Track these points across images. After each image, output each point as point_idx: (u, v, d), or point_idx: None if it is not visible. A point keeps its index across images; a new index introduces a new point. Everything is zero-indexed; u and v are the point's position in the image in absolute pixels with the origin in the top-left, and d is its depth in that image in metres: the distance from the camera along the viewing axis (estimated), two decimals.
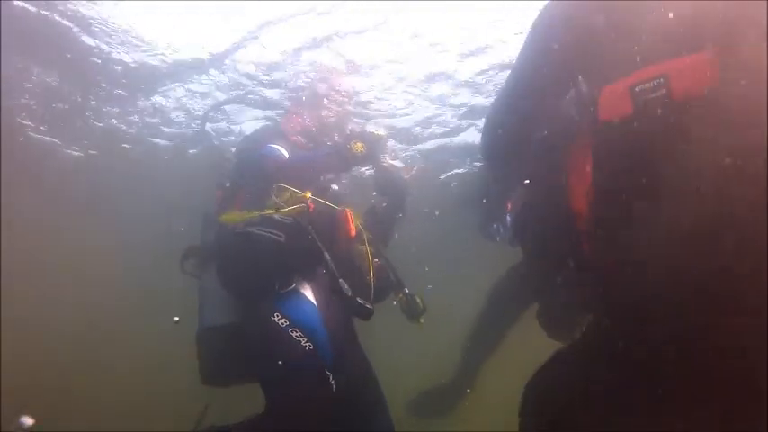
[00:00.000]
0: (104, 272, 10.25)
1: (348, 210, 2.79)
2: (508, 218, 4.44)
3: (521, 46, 1.69)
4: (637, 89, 1.27)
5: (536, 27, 1.63)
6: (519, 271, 4.05)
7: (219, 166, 3.51)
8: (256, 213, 2.73)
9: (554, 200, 1.66)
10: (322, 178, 3.17)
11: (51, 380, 10.26)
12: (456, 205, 6.66)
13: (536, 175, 1.90)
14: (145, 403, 9.76)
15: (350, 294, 2.52)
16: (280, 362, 2.41)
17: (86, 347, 11.15)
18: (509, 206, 4.33)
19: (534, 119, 1.74)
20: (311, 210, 2.72)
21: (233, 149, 5.59)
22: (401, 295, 2.98)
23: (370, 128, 3.27)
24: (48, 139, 6.68)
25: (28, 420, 3.13)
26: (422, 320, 2.93)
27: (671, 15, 1.28)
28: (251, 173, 3.02)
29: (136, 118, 6.23)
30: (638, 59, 1.31)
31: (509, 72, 1.81)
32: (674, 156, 1.17)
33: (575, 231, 1.45)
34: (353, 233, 2.74)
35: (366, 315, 2.57)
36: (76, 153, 7.17)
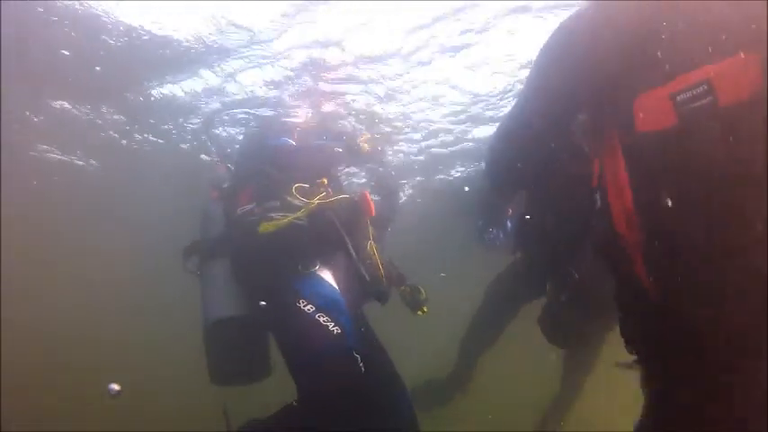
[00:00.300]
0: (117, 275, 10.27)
1: (365, 191, 2.89)
2: (508, 223, 4.50)
3: (540, 55, 1.63)
4: (679, 98, 1.21)
5: (562, 34, 1.58)
6: (517, 269, 4.12)
7: (215, 166, 3.52)
8: (291, 217, 2.71)
9: (582, 217, 1.64)
10: (333, 169, 3.22)
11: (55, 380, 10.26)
12: (452, 213, 6.71)
13: (560, 191, 1.85)
14: (148, 402, 9.77)
15: (369, 278, 2.61)
16: (310, 347, 2.40)
17: (93, 349, 11.16)
18: (509, 212, 4.41)
19: (557, 134, 1.69)
20: (330, 196, 2.79)
21: (236, 146, 5.65)
22: (403, 287, 3.01)
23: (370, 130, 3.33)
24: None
25: (115, 387, 3.14)
26: (425, 309, 2.97)
27: (704, 18, 1.23)
28: (266, 164, 3.02)
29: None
30: (674, 65, 1.25)
31: (527, 83, 1.76)
32: (725, 165, 1.13)
33: (619, 250, 1.38)
34: (374, 212, 2.82)
35: (385, 298, 2.66)
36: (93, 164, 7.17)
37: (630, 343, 1.43)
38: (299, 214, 2.70)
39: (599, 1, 1.48)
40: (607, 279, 1.55)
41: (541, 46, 1.62)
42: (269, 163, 3.01)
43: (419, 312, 3.01)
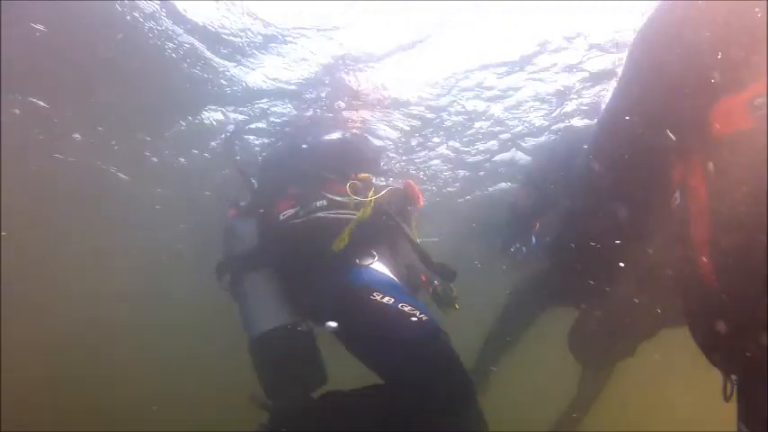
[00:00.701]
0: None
1: (409, 180, 2.92)
2: (534, 238, 4.70)
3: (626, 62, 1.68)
4: (756, 102, 1.25)
5: (645, 37, 1.61)
6: (540, 279, 4.20)
7: (237, 181, 3.39)
8: (354, 220, 2.67)
9: (662, 227, 1.68)
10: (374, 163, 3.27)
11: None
12: (476, 228, 6.83)
13: (632, 197, 1.89)
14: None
15: (434, 260, 2.60)
16: (405, 339, 2.26)
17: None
18: (537, 226, 4.57)
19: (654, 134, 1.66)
20: (379, 189, 2.80)
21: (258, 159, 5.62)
22: (433, 286, 2.86)
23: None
24: None
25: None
26: (457, 306, 2.81)
27: None
28: (306, 165, 2.99)
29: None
30: (753, 70, 1.26)
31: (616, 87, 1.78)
32: None
33: (692, 261, 1.39)
34: (421, 201, 2.86)
35: (453, 275, 2.63)
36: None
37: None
38: (360, 215, 2.69)
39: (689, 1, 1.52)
40: (643, 301, 1.64)
41: (636, 42, 1.66)
42: (310, 163, 2.99)
43: (452, 308, 2.84)
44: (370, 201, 2.75)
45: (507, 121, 5.95)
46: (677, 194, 1.52)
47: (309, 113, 4.97)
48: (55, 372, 10.65)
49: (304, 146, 3.30)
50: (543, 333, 4.97)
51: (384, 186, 2.91)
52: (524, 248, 4.65)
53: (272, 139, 5.74)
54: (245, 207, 3.14)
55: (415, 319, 2.29)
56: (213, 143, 6.25)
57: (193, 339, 11.68)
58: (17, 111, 5.57)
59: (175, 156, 6.75)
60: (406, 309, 2.33)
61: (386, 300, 2.36)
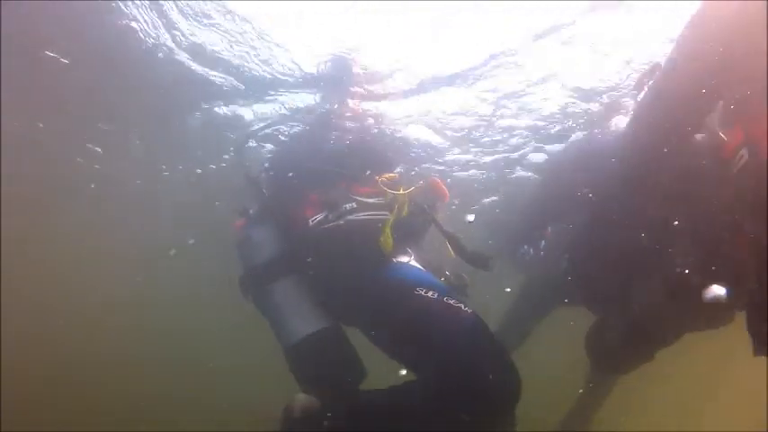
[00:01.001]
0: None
1: (434, 177, 2.94)
2: (543, 242, 4.77)
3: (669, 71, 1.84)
4: None
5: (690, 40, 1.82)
6: (552, 279, 4.17)
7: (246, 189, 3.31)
8: (392, 217, 2.67)
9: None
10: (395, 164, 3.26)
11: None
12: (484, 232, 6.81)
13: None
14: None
15: (469, 250, 2.54)
16: (456, 330, 2.21)
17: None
18: (548, 231, 4.63)
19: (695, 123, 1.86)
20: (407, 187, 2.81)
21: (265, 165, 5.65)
22: (443, 278, 2.78)
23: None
24: None
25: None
26: (467, 294, 2.74)
27: None
28: (329, 166, 2.97)
29: None
30: None
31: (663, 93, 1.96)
32: None
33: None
34: (448, 197, 2.90)
35: (487, 263, 2.51)
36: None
37: None
38: (394, 214, 2.68)
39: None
40: (673, 308, 1.72)
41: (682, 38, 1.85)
42: (332, 166, 2.96)
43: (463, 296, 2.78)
44: (405, 197, 2.75)
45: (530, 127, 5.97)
46: (743, 152, 1.67)
47: (320, 108, 4.96)
48: (55, 372, 10.61)
49: (323, 148, 3.26)
50: (550, 332, 5.02)
51: (411, 184, 2.89)
52: (532, 251, 4.71)
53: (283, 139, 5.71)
54: (255, 215, 3.08)
55: (464, 311, 2.27)
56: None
57: (193, 339, 11.68)
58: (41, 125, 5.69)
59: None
60: (451, 302, 2.31)
61: (430, 294, 2.33)
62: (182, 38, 4.68)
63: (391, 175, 2.91)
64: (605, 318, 3.32)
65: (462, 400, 2.04)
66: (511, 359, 2.20)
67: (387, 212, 2.75)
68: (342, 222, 2.73)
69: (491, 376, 2.06)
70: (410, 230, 2.75)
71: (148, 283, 10.27)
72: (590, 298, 3.59)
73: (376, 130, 3.83)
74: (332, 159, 3.07)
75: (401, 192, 2.79)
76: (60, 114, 5.73)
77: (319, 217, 2.79)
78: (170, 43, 4.73)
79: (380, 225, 2.64)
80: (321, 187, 2.91)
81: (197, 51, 4.84)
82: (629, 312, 2.99)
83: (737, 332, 2.56)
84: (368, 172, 2.93)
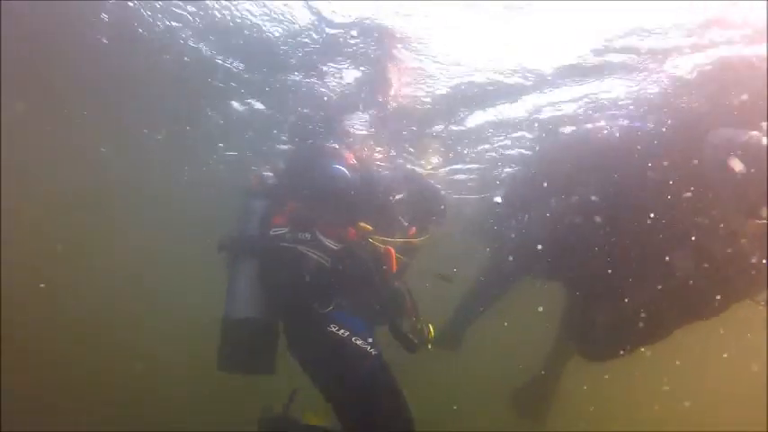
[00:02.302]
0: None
1: (391, 249, 2.97)
2: (513, 222, 4.76)
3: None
4: None
5: None
6: (518, 260, 4.45)
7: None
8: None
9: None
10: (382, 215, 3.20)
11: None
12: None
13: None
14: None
15: (403, 332, 2.76)
16: (353, 371, 2.61)
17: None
18: (526, 217, 4.58)
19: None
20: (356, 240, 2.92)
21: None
22: (414, 319, 3.03)
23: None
24: None
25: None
26: (429, 347, 3.00)
27: None
28: (318, 190, 3.07)
29: None
30: None
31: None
32: None
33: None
34: (394, 269, 2.91)
35: (414, 349, 2.78)
36: None
37: None
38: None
39: None
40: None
41: None
42: (323, 191, 3.04)
43: (423, 348, 2.99)
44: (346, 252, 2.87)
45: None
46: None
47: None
48: (56, 371, 10.63)
49: (325, 172, 3.18)
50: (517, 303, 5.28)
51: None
52: (514, 222, 4.79)
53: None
54: (267, 187, 3.22)
55: (366, 353, 2.63)
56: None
57: (195, 340, 11.64)
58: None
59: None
60: (359, 342, 2.65)
61: (342, 332, 2.67)
62: None
63: (366, 227, 2.97)
64: (592, 305, 3.39)
65: None
66: (405, 401, 2.60)
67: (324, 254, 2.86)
68: (291, 246, 2.88)
69: (385, 419, 2.52)
70: (348, 278, 2.84)
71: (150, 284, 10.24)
72: (571, 273, 3.55)
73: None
74: (327, 187, 3.08)
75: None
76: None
77: (280, 231, 2.97)
78: None
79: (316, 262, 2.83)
80: (303, 204, 3.03)
81: None
82: (623, 309, 3.10)
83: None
84: (344, 215, 3.00)
